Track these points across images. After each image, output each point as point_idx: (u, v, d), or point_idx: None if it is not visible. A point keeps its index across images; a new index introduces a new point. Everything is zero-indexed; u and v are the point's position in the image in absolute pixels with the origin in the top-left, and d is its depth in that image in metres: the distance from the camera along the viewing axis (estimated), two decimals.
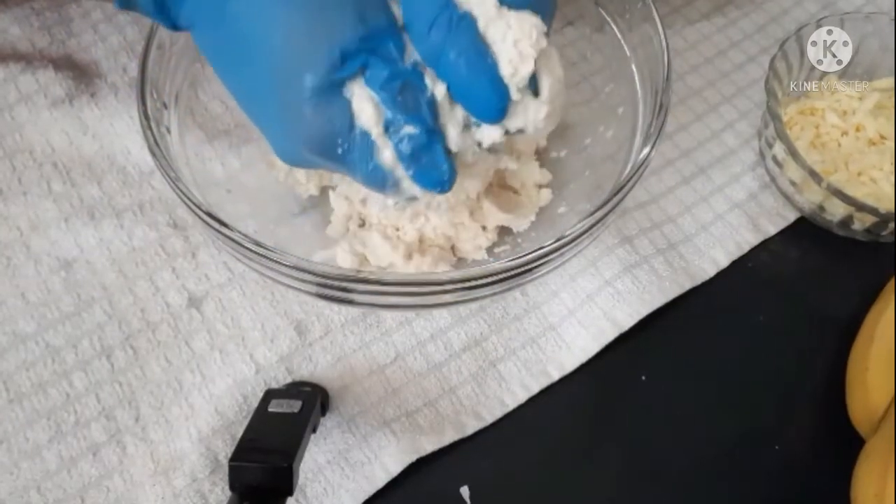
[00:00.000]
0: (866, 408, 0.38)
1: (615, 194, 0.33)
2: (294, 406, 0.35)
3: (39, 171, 0.44)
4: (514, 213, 0.41)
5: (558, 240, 0.32)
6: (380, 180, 0.30)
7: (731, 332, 0.42)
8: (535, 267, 0.33)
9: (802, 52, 0.46)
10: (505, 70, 0.29)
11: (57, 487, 0.36)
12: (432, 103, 0.29)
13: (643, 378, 0.40)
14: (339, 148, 0.29)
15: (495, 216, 0.40)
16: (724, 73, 0.51)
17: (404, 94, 0.29)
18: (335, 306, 0.41)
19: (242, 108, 0.32)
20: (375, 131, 0.29)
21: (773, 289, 0.43)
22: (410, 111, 0.29)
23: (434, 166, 0.30)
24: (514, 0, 0.29)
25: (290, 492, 0.32)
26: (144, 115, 0.34)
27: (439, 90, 0.29)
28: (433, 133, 0.30)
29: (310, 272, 0.31)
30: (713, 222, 0.45)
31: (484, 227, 0.41)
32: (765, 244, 0.45)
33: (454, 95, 0.30)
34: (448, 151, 0.30)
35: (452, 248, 0.41)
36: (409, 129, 0.29)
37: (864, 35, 0.46)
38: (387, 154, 0.30)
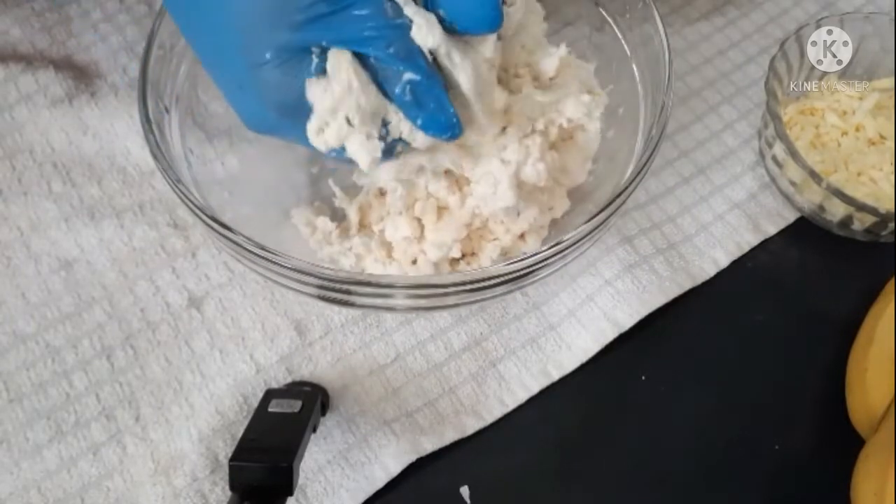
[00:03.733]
0: (866, 408, 0.38)
1: (616, 197, 0.33)
2: (294, 406, 0.35)
3: (39, 171, 0.44)
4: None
5: (559, 243, 0.32)
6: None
7: (731, 332, 0.42)
8: (537, 270, 0.33)
9: (802, 52, 0.46)
10: None
11: (57, 487, 0.36)
12: (421, 51, 0.29)
13: (643, 378, 0.40)
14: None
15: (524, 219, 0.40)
16: (724, 73, 0.51)
17: (395, 46, 0.29)
18: (335, 306, 0.40)
19: (207, 70, 0.31)
20: (356, 83, 0.29)
21: (773, 289, 0.43)
22: (404, 59, 0.29)
23: (441, 110, 0.30)
24: None
25: (290, 492, 0.32)
26: (146, 118, 0.34)
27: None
28: (433, 77, 0.29)
29: (311, 274, 0.31)
30: (713, 222, 0.45)
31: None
32: (765, 244, 0.45)
33: (449, 13, 0.29)
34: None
35: None
36: (409, 76, 0.29)
37: (864, 35, 0.46)
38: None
